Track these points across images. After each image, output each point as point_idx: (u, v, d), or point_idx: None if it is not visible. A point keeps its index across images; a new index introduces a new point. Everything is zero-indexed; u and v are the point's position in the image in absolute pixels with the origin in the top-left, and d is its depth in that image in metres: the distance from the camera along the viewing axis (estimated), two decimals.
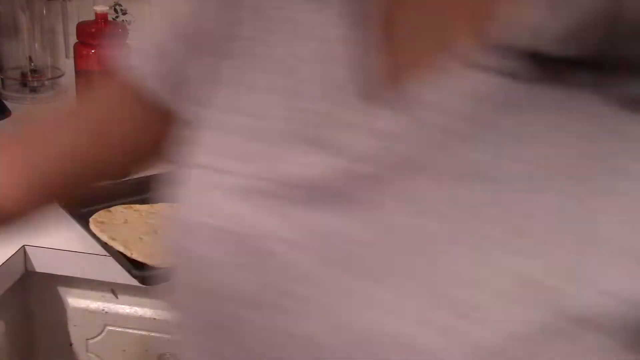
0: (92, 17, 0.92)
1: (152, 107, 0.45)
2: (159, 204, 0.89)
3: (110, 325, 0.83)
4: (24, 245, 0.78)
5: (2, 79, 1.39)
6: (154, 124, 0.47)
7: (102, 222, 0.79)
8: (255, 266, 0.34)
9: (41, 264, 0.79)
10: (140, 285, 0.72)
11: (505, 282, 0.29)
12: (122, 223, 0.80)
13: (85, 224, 0.79)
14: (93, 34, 0.91)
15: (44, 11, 1.37)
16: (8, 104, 1.30)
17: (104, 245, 0.75)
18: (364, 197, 0.32)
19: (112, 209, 0.84)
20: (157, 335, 0.83)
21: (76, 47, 0.92)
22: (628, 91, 0.28)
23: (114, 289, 0.83)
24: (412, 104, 0.32)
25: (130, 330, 0.83)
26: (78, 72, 0.93)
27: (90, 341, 0.85)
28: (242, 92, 0.38)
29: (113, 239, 0.75)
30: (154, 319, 0.82)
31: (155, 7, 0.45)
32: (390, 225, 0.31)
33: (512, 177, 0.30)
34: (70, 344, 0.86)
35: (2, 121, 1.24)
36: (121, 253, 0.73)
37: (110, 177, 0.53)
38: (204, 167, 0.38)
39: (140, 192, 0.93)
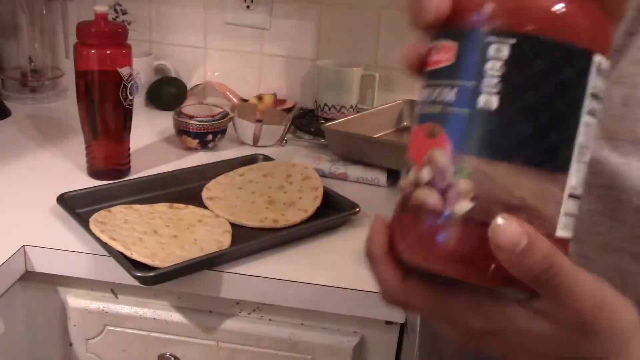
0: (92, 17, 0.92)
1: None
2: (159, 204, 0.89)
3: (110, 325, 0.83)
4: (24, 245, 0.78)
5: (2, 79, 1.39)
6: None
7: (102, 222, 0.79)
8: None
9: (41, 264, 0.79)
10: (140, 285, 0.72)
11: None
12: (122, 223, 0.80)
13: (85, 224, 0.79)
14: (93, 34, 0.91)
15: (44, 11, 1.38)
16: (8, 104, 1.30)
17: (104, 245, 0.75)
18: None
19: (112, 209, 0.84)
20: (157, 335, 0.83)
21: (76, 47, 0.92)
22: None
23: (113, 289, 0.83)
24: None
25: (130, 330, 0.83)
26: (78, 72, 0.93)
27: (90, 341, 0.85)
28: None
29: (113, 239, 0.75)
30: (154, 319, 0.82)
31: None
32: None
33: None
34: (70, 344, 0.86)
35: (2, 121, 1.24)
36: (121, 253, 0.73)
37: None
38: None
39: (140, 192, 0.93)
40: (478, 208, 0.34)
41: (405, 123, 1.25)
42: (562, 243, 0.35)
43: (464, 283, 0.35)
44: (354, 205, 0.89)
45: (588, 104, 0.35)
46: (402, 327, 0.79)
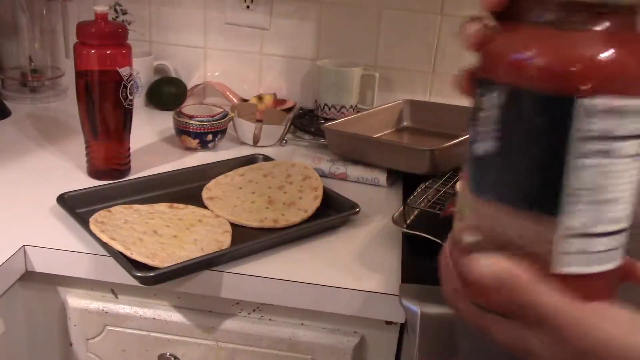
0: (92, 17, 0.92)
1: None
2: (159, 204, 0.89)
3: (110, 325, 0.83)
4: (24, 245, 0.78)
5: (2, 79, 1.39)
6: None
7: (102, 222, 0.79)
8: None
9: (41, 264, 0.79)
10: (140, 285, 0.72)
11: None
12: (122, 223, 0.80)
13: (85, 224, 0.79)
14: (93, 34, 0.91)
15: (44, 11, 1.38)
16: (8, 104, 1.30)
17: (104, 245, 0.75)
18: None
19: (112, 209, 0.84)
20: (157, 335, 0.83)
21: (76, 47, 0.92)
22: None
23: (114, 289, 0.83)
24: None
25: (130, 330, 0.83)
26: (78, 72, 0.93)
27: (90, 341, 0.85)
28: None
29: (113, 239, 0.75)
30: (154, 319, 0.82)
31: None
32: None
33: None
34: (70, 344, 0.86)
35: (2, 121, 1.24)
36: (121, 253, 0.73)
37: None
38: None
39: (140, 192, 0.93)
40: (477, 241, 0.38)
41: (405, 123, 1.25)
42: (564, 278, 0.36)
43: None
44: (354, 205, 0.89)
45: (580, 147, 0.34)
46: (402, 327, 0.79)
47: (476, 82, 0.37)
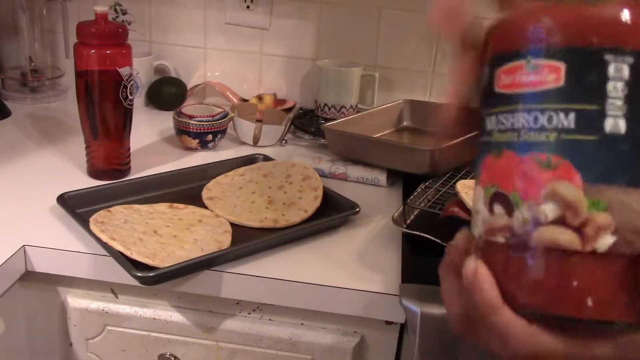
0: (92, 17, 0.92)
1: None
2: (159, 204, 0.89)
3: (110, 325, 0.83)
4: (24, 245, 0.78)
5: (2, 79, 1.39)
6: None
7: (102, 222, 0.79)
8: None
9: (41, 264, 0.79)
10: (140, 285, 0.72)
11: None
12: (122, 223, 0.80)
13: (85, 224, 0.79)
14: (93, 34, 0.91)
15: (44, 11, 1.38)
16: (8, 104, 1.30)
17: (104, 245, 0.75)
18: None
19: (112, 209, 0.84)
20: (157, 335, 0.83)
21: (76, 47, 0.92)
22: None
23: (113, 289, 0.83)
24: None
25: (130, 330, 0.83)
26: (78, 72, 0.93)
27: (90, 341, 0.85)
28: None
29: (113, 239, 0.75)
30: (154, 319, 0.82)
31: None
32: None
33: None
34: (70, 344, 0.86)
35: (2, 121, 1.24)
36: (121, 253, 0.73)
37: None
38: None
39: (140, 192, 0.93)
40: (621, 241, 0.32)
41: (405, 123, 1.25)
42: None
43: (589, 320, 0.33)
44: (354, 205, 0.89)
45: None
46: (402, 327, 0.79)
47: (592, 51, 0.32)
